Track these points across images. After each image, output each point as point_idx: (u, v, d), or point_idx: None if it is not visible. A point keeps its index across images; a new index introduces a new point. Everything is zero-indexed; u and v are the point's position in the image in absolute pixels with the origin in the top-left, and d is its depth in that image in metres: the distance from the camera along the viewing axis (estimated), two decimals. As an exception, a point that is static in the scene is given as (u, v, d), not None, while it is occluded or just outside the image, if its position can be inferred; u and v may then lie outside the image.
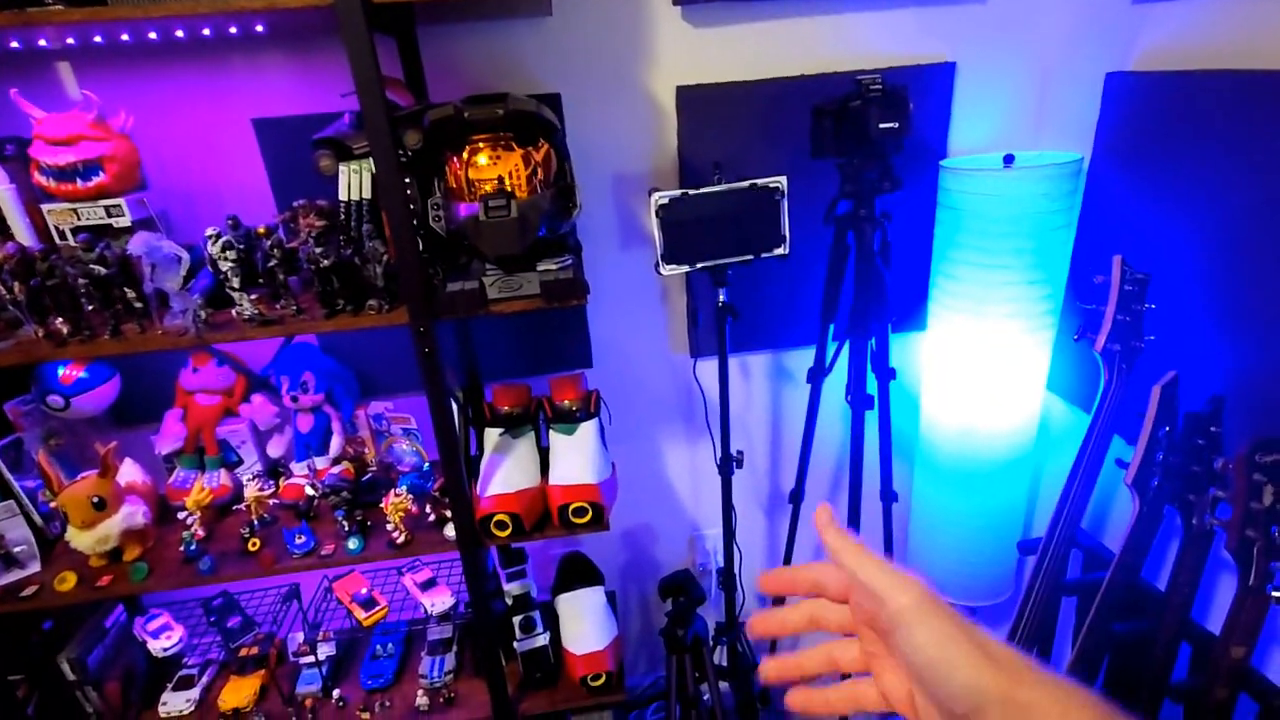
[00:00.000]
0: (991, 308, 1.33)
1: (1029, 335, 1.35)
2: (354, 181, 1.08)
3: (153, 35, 1.06)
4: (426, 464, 1.34)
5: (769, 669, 0.44)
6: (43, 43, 1.06)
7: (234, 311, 1.05)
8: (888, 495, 1.49)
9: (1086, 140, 1.36)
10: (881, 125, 1.13)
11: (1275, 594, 0.93)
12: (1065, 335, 1.43)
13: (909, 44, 1.39)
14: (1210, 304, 1.14)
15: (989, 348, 1.36)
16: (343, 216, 1.09)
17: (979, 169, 1.30)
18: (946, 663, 0.35)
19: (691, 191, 1.17)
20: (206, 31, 1.07)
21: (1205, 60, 1.11)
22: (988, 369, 1.38)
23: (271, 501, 1.30)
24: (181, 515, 1.27)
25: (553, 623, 1.49)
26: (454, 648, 1.48)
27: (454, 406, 1.20)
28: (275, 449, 1.39)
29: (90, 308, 1.03)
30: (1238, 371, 1.11)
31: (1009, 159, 1.33)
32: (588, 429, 1.28)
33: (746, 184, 1.19)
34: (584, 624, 1.45)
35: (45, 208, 1.08)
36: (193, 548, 1.21)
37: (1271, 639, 1.11)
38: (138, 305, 1.04)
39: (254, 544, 1.22)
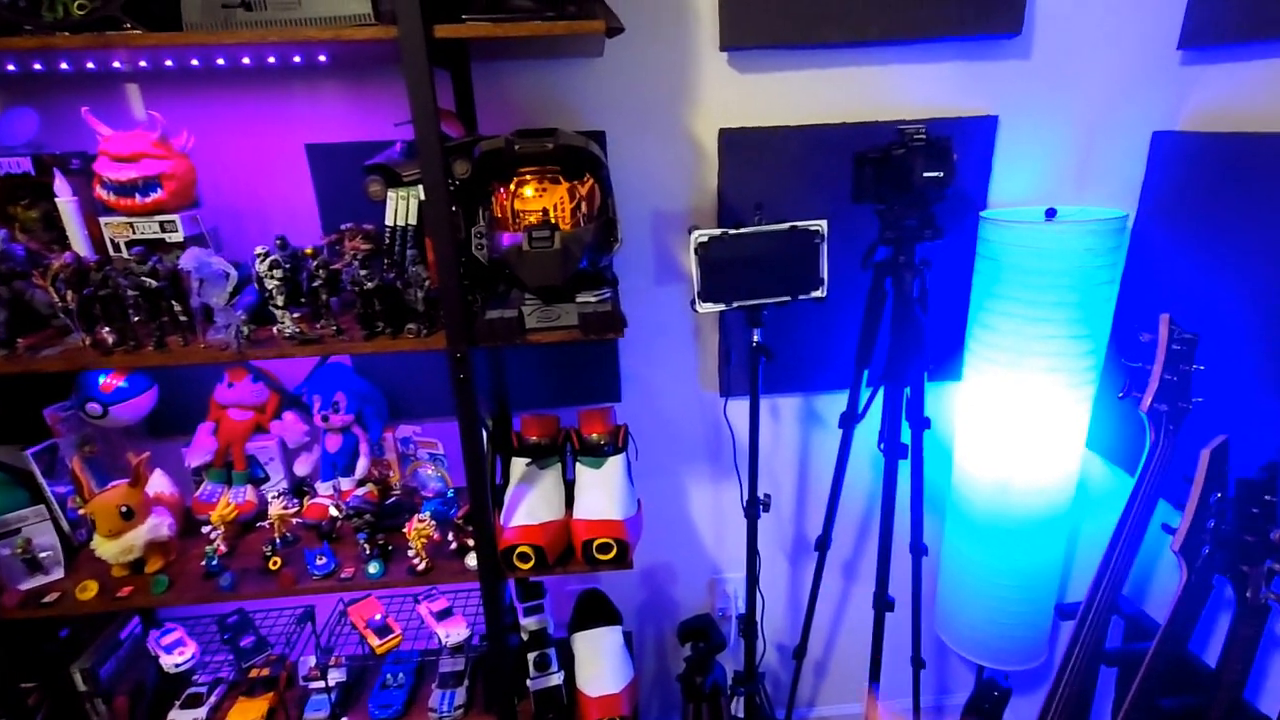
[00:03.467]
0: (1030, 360, 1.31)
1: (1069, 390, 1.32)
2: (401, 207, 1.10)
3: (221, 61, 1.10)
4: (451, 490, 1.34)
5: None
6: (117, 64, 1.10)
7: (275, 329, 1.07)
8: (918, 548, 1.45)
9: (1131, 197, 1.35)
10: (926, 174, 1.13)
11: (1340, 678, 0.88)
12: (1106, 392, 1.40)
13: (951, 96, 1.40)
14: (1261, 368, 1.11)
15: (1027, 401, 1.33)
16: (387, 241, 1.11)
17: (1021, 220, 1.30)
18: None
19: (731, 231, 1.18)
20: (272, 59, 1.11)
21: (1255, 123, 1.11)
22: (1025, 423, 1.35)
23: (295, 520, 1.30)
24: (205, 529, 1.27)
25: (567, 661, 1.45)
26: (466, 681, 1.44)
27: (483, 434, 1.20)
28: (302, 467, 1.40)
29: (137, 319, 1.05)
30: (1293, 439, 1.07)
31: (1051, 212, 1.32)
32: (615, 464, 1.26)
33: (787, 226, 1.19)
34: (600, 665, 1.41)
35: (103, 220, 1.12)
36: (214, 563, 1.21)
37: (1332, 726, 1.05)
38: (183, 319, 1.06)
39: (275, 562, 1.22)
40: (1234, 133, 1.13)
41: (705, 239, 1.18)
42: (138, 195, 1.09)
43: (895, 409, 1.32)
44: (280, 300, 1.05)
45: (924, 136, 1.15)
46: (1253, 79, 1.11)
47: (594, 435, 1.27)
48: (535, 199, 1.04)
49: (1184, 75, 1.23)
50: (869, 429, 1.49)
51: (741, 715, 1.65)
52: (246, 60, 1.11)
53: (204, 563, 1.21)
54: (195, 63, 1.11)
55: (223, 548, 1.24)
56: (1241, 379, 1.14)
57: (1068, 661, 1.24)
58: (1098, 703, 1.39)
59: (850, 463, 1.50)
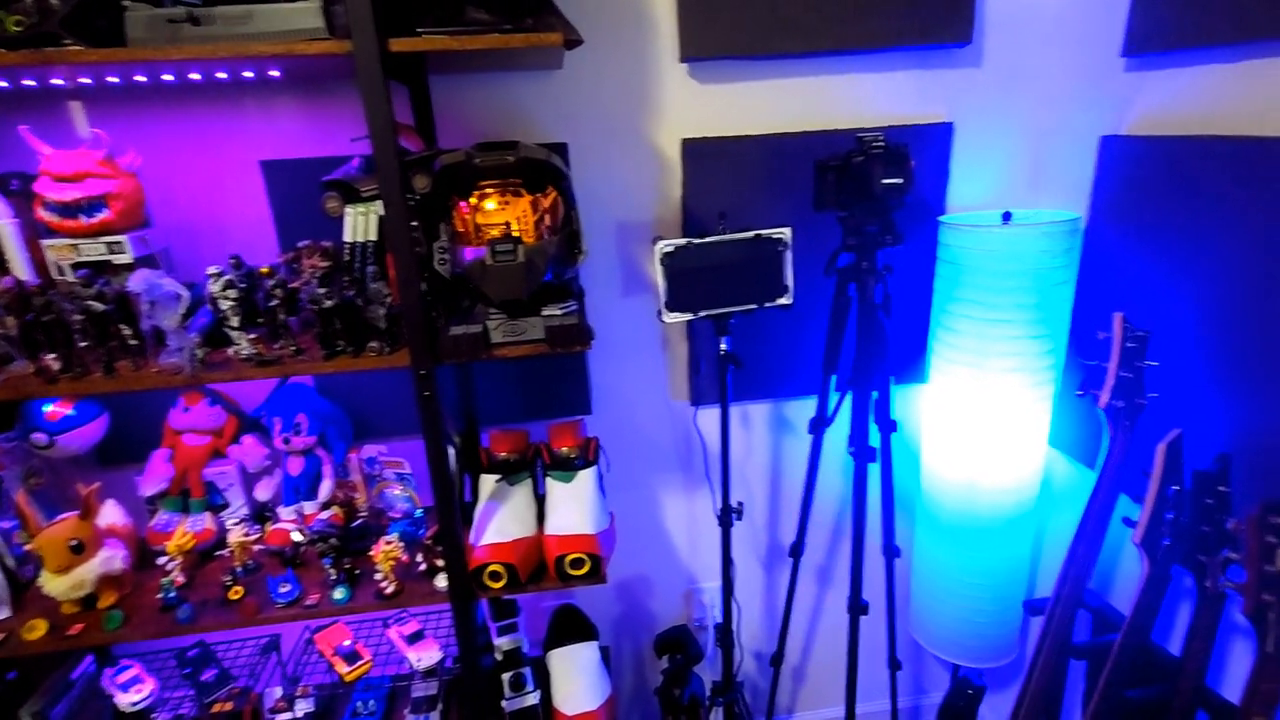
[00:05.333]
0: (992, 361, 1.34)
1: (1030, 390, 1.34)
2: (360, 224, 1.08)
3: (168, 77, 1.07)
4: (419, 510, 1.31)
5: None
6: (57, 82, 1.06)
7: (231, 351, 1.03)
8: (890, 550, 1.46)
9: (1083, 200, 1.39)
10: (885, 181, 1.15)
11: (1296, 662, 0.90)
12: (1066, 391, 1.43)
13: (907, 104, 1.43)
14: (1211, 362, 1.15)
15: (990, 401, 1.36)
16: (347, 258, 1.09)
17: (978, 225, 1.32)
18: None
19: (696, 240, 1.18)
20: (222, 75, 1.08)
21: (1197, 126, 1.15)
22: (989, 423, 1.37)
23: (256, 547, 1.26)
24: (162, 560, 1.22)
25: (543, 680, 1.43)
26: (439, 705, 1.41)
27: (451, 452, 1.18)
28: (263, 492, 1.35)
29: (84, 344, 1.01)
30: (1243, 430, 1.10)
31: (1007, 216, 1.35)
32: (586, 477, 1.25)
33: (751, 234, 1.20)
34: (576, 682, 1.39)
35: (45, 243, 1.07)
36: (172, 595, 1.16)
37: (1291, 709, 1.08)
38: (133, 343, 1.03)
39: (236, 592, 1.18)
40: (1177, 136, 1.18)
41: (670, 249, 1.18)
42: (82, 216, 1.05)
43: (863, 413, 1.33)
44: (235, 321, 1.02)
45: (882, 144, 1.17)
46: (1192, 84, 1.15)
47: (564, 449, 1.26)
48: (497, 212, 1.03)
49: (1128, 81, 1.27)
50: (839, 433, 1.50)
51: (721, 726, 1.64)
52: (196, 76, 1.08)
53: (161, 595, 1.16)
54: (141, 79, 1.08)
55: (180, 579, 1.19)
56: (1193, 374, 1.17)
57: (1038, 657, 1.25)
58: (1068, 696, 1.42)
59: (821, 467, 1.51)
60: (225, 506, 1.34)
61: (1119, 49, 1.26)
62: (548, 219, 1.06)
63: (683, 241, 1.18)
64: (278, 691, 1.38)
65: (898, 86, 1.42)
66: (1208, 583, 1.04)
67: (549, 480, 1.26)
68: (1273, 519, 0.92)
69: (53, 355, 1.00)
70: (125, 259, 1.09)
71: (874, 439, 1.35)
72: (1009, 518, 1.42)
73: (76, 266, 1.08)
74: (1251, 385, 1.08)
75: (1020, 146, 1.49)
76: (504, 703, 1.36)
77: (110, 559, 1.15)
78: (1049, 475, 1.53)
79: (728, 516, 1.39)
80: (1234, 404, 1.11)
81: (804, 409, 1.63)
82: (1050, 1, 1.39)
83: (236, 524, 1.26)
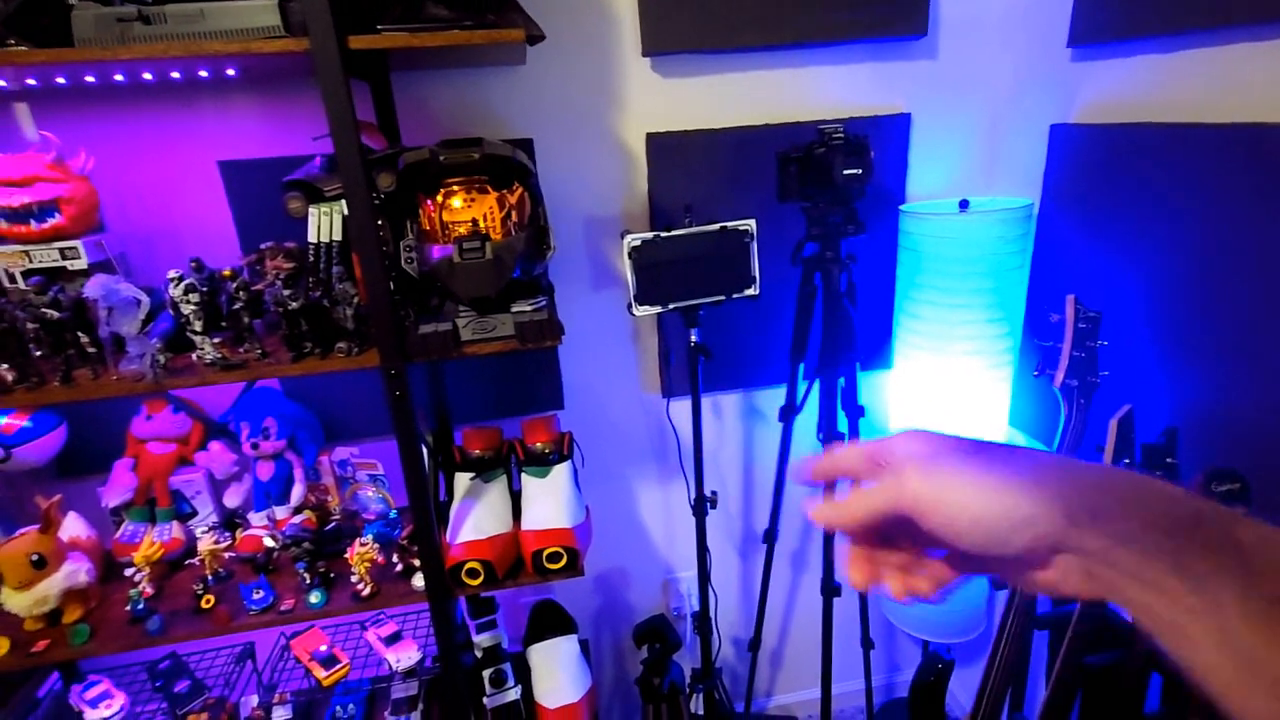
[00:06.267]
0: (953, 345, 1.38)
1: (990, 372, 1.39)
2: (324, 224, 1.06)
3: (119, 77, 1.05)
4: (393, 511, 1.30)
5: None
6: (1, 83, 1.03)
7: (195, 356, 1.02)
8: (861, 533, 1.50)
9: (1036, 186, 1.44)
10: (846, 172, 1.17)
11: (1239, 621, 0.95)
12: (1024, 372, 1.48)
13: (866, 95, 1.46)
14: (1158, 340, 1.20)
15: (952, 384, 1.40)
16: (311, 259, 1.08)
17: (936, 213, 1.36)
18: (982, 499, 0.34)
19: (663, 234, 1.19)
20: (176, 75, 1.06)
21: (1139, 114, 1.20)
22: (951, 405, 1.42)
23: (227, 555, 1.24)
24: (129, 572, 1.19)
25: (524, 675, 1.43)
26: (420, 705, 1.41)
27: (424, 451, 1.17)
28: (232, 499, 1.33)
29: (39, 353, 0.98)
30: (1188, 404, 1.16)
31: (964, 204, 1.39)
32: (561, 472, 1.26)
33: (717, 226, 1.22)
34: (557, 676, 1.40)
35: (-6, 250, 1.04)
36: (140, 607, 1.14)
37: (1236, 666, 1.14)
38: (91, 350, 1.00)
39: (208, 601, 1.16)
40: (1122, 123, 1.22)
41: (638, 242, 1.19)
42: (33, 222, 1.02)
43: (831, 399, 1.36)
44: (198, 325, 1.00)
45: (843, 135, 1.20)
46: (1134, 74, 1.20)
47: (538, 444, 1.26)
48: (464, 209, 1.03)
49: (1075, 71, 1.32)
50: (808, 420, 1.53)
51: (701, 712, 1.67)
52: (148, 76, 1.06)
53: (129, 607, 1.14)
54: (90, 80, 1.05)
55: (149, 590, 1.17)
56: (1141, 352, 1.23)
57: (1003, 629, 1.30)
58: (1034, 666, 1.47)
59: (792, 454, 1.54)
60: (194, 515, 1.31)
61: (1065, 40, 1.31)
62: (515, 215, 1.06)
63: (650, 235, 1.19)
64: (254, 700, 1.36)
65: (857, 78, 1.45)
66: (1158, 550, 1.09)
67: (524, 476, 1.26)
68: (1215, 487, 0.97)
69: (5, 365, 0.97)
70: (80, 265, 1.06)
71: (842, 425, 1.38)
72: (973, 496, 1.47)
73: (28, 274, 1.04)
74: (1196, 361, 1.13)
75: (975, 135, 1.53)
76: (485, 699, 1.36)
77: (74, 573, 1.13)
78: (1010, 454, 1.58)
79: (702, 506, 1.41)
80: (1180, 379, 1.17)
81: (774, 398, 1.66)
82: (1000, -6, 1.43)
83: (206, 532, 1.24)
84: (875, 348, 1.64)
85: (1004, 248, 1.30)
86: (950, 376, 1.40)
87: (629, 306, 1.22)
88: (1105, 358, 1.18)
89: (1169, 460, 1.08)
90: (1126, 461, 1.11)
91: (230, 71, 1.08)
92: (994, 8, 1.44)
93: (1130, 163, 1.21)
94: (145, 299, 1.01)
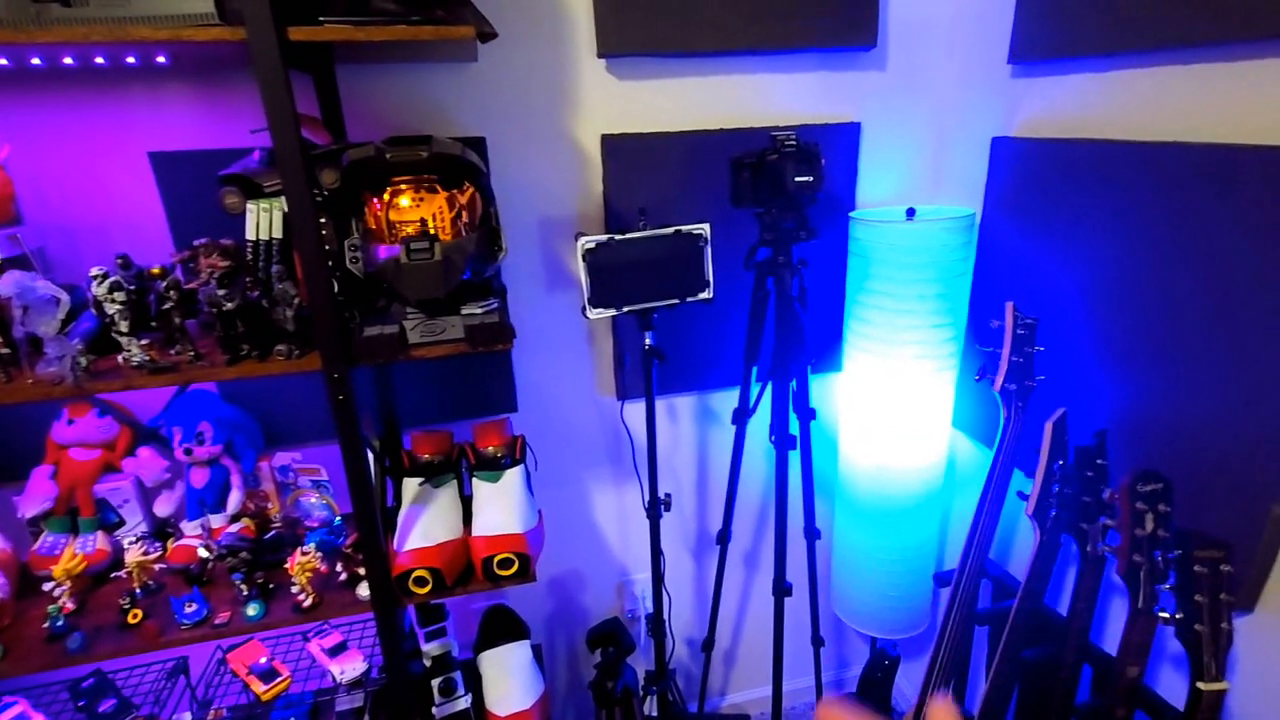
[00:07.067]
0: (900, 349, 1.41)
1: (935, 375, 1.43)
2: (263, 220, 1.02)
3: (36, 61, 0.98)
4: (338, 518, 1.26)
5: None
6: (-98, 63, 0.96)
7: (120, 358, 0.96)
8: (810, 533, 1.52)
9: (978, 196, 1.48)
10: (797, 179, 1.19)
11: (1162, 615, 1.00)
12: (967, 375, 1.53)
13: (818, 104, 1.49)
14: (1091, 346, 1.25)
15: (898, 387, 1.44)
16: (249, 257, 1.03)
17: (884, 220, 1.39)
18: None
19: (618, 236, 1.19)
20: (100, 60, 1.00)
21: (1075, 129, 1.25)
22: (898, 408, 1.45)
23: (157, 566, 1.18)
24: (48, 587, 1.12)
25: (475, 683, 1.41)
26: (365, 717, 1.37)
27: (370, 456, 1.14)
28: (163, 507, 1.27)
29: (-54, 355, 0.91)
30: (1118, 407, 1.21)
31: (910, 212, 1.42)
32: (513, 476, 1.24)
33: (671, 230, 1.22)
34: (508, 683, 1.38)
35: (-106, 242, 0.97)
36: (60, 623, 1.07)
37: (1160, 657, 1.20)
38: (4, 351, 0.94)
39: (135, 615, 1.10)
40: (1058, 139, 1.27)
41: (592, 244, 1.18)
42: (-62, 213, 0.95)
43: (783, 402, 1.38)
44: (124, 326, 0.95)
45: (795, 142, 1.21)
46: (1069, 91, 1.25)
47: (490, 448, 1.24)
48: (412, 209, 1.00)
49: (1015, 87, 1.36)
50: (761, 423, 1.55)
51: (655, 714, 1.67)
52: (69, 61, 0.99)
53: (46, 624, 1.07)
54: (3, 63, 0.98)
55: (69, 605, 1.10)
56: (1076, 357, 1.28)
57: (946, 625, 1.34)
58: (975, 660, 1.52)
59: (745, 456, 1.56)
60: (121, 524, 1.24)
61: (1005, 56, 1.35)
62: (465, 215, 1.04)
63: (604, 237, 1.18)
64: (187, 717, 1.30)
65: (809, 87, 1.47)
66: (1089, 548, 1.14)
67: (475, 480, 1.24)
68: (1141, 487, 1.02)
69: (-93, 368, 0.90)
70: (-8, 260, 0.99)
71: (794, 427, 1.40)
72: (918, 497, 1.51)
73: (-67, 269, 0.97)
74: (1127, 366, 1.19)
75: (922, 145, 1.57)
76: (434, 709, 1.34)
77: (-14, 588, 1.06)
78: (953, 456, 1.63)
79: (656, 508, 1.41)
80: (1111, 384, 1.22)
81: (727, 400, 1.67)
82: (945, 9, 1.48)
83: (134, 542, 1.17)
84: (826, 351, 1.67)
85: (949, 255, 1.34)
86: (897, 379, 1.43)
87: (583, 309, 1.21)
88: (1041, 363, 1.23)
89: (1099, 462, 1.13)
90: (1060, 463, 1.16)
91: (161, 59, 1.02)
92: (939, 23, 1.48)
93: (1067, 176, 1.26)
94: (65, 297, 0.95)
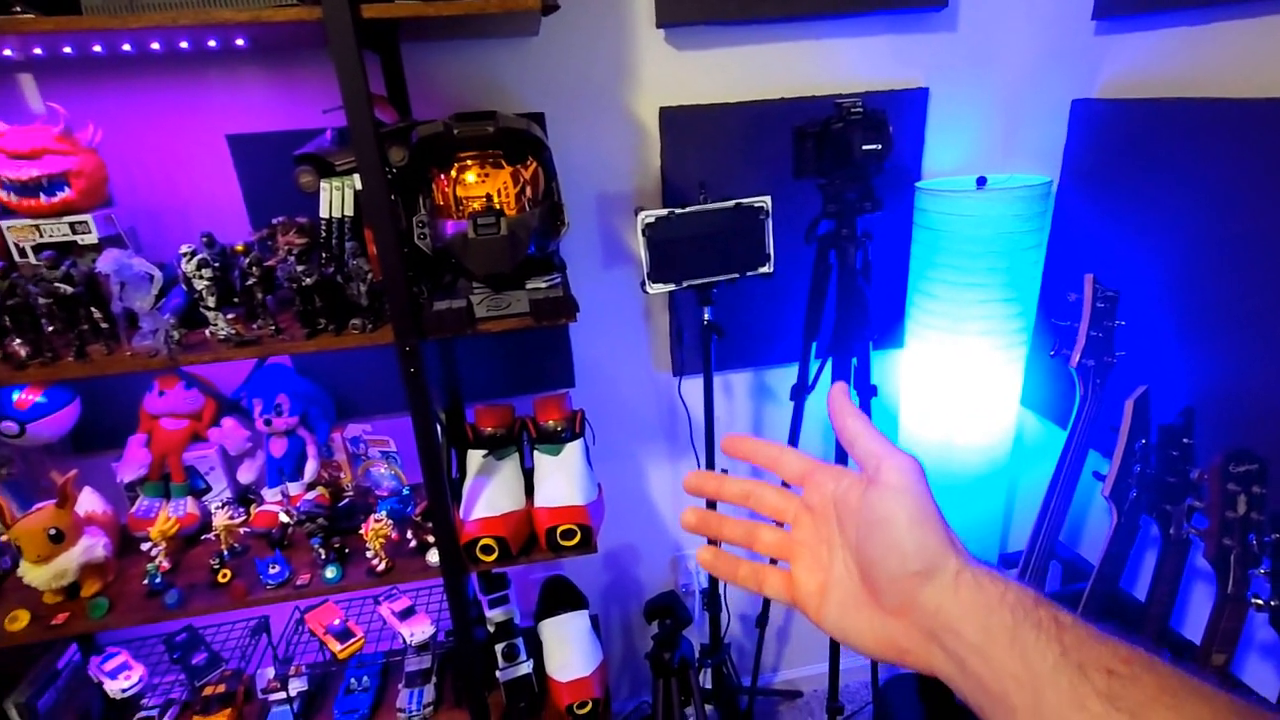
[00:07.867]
0: (966, 325, 1.37)
1: (1002, 352, 1.38)
2: (336, 198, 1.05)
3: (127, 47, 1.03)
4: (406, 488, 1.30)
5: (690, 516, 0.47)
6: (7, 53, 1.01)
7: (208, 332, 1.01)
8: (871, 511, 1.50)
9: (1054, 163, 1.41)
10: (865, 147, 1.15)
11: (1254, 601, 0.96)
12: (1037, 352, 1.47)
13: (884, 70, 1.43)
14: (1176, 320, 1.19)
15: (964, 364, 1.39)
16: (324, 234, 1.06)
17: (953, 190, 1.34)
18: (917, 525, 0.38)
19: (678, 211, 1.18)
20: (185, 45, 1.04)
21: (1164, 89, 1.17)
22: (963, 385, 1.41)
23: (243, 530, 1.25)
24: (145, 547, 1.20)
25: (536, 649, 1.45)
26: (433, 679, 1.43)
27: (438, 428, 1.17)
28: (246, 475, 1.34)
29: (51, 329, 0.98)
30: (1205, 384, 1.15)
31: (981, 181, 1.37)
32: (573, 449, 1.26)
33: (732, 203, 1.20)
34: (568, 650, 1.42)
35: (4, 224, 1.03)
36: (158, 580, 1.15)
37: (1249, 645, 1.14)
38: (104, 326, 1.00)
39: (224, 575, 1.17)
40: (1145, 99, 1.20)
41: (652, 219, 1.17)
42: (42, 195, 1.01)
43: (843, 379, 1.36)
44: (211, 301, 0.99)
45: (861, 110, 1.18)
46: (1159, 47, 1.17)
47: (550, 422, 1.26)
48: (478, 184, 1.02)
49: (1098, 45, 1.29)
50: (819, 400, 1.53)
51: (709, 686, 1.69)
52: (156, 46, 1.04)
53: (146, 581, 1.15)
54: (98, 49, 1.03)
55: (165, 564, 1.18)
56: (1159, 332, 1.21)
57: (1013, 607, 1.31)
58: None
59: (803, 434, 1.54)
60: (208, 490, 1.32)
61: (1090, 12, 1.28)
62: (529, 190, 1.05)
63: (664, 212, 1.17)
64: (270, 672, 1.38)
65: (875, 52, 1.42)
66: (1172, 530, 1.09)
67: (536, 454, 1.27)
68: (1234, 468, 0.97)
69: (19, 341, 0.97)
70: (91, 239, 1.05)
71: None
72: (982, 475, 1.47)
73: (39, 248, 1.04)
74: (1214, 341, 1.12)
75: (994, 110, 1.50)
76: (498, 673, 1.38)
77: (92, 547, 1.14)
78: (1021, 434, 1.58)
79: (713, 484, 1.41)
80: (1197, 360, 1.16)
81: (786, 376, 1.65)
82: (1023, -36, 1.40)
83: (221, 507, 1.24)
84: (888, 327, 1.63)
85: (1021, 226, 1.29)
86: (963, 356, 1.39)
87: (642, 284, 1.21)
88: (1122, 338, 1.17)
89: (1185, 441, 1.08)
90: (1142, 442, 1.11)
91: (239, 41, 1.06)
92: (1016, -22, 1.40)
93: (1154, 139, 1.18)
94: (158, 274, 1.00)
